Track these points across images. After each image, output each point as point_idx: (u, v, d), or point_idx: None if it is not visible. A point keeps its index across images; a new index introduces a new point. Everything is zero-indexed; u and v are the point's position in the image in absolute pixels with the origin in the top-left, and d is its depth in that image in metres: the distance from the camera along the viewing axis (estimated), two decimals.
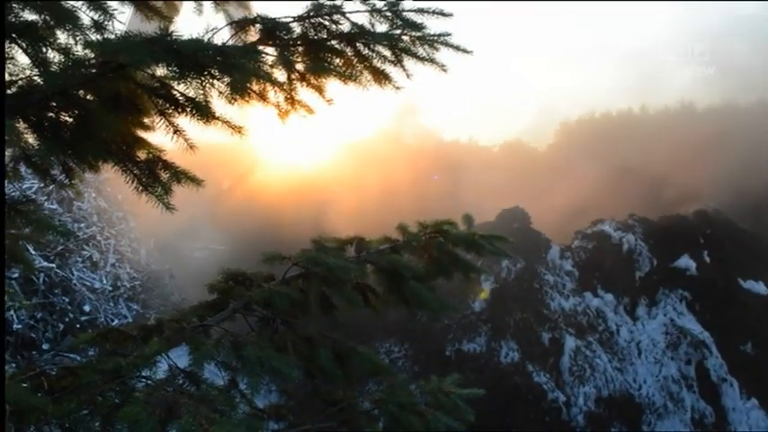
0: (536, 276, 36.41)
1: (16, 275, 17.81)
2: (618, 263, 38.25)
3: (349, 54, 3.48)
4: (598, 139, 70.06)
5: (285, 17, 3.46)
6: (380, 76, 3.52)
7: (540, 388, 30.94)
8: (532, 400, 30.40)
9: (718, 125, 66.51)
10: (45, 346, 21.53)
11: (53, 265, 23.12)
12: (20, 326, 19.88)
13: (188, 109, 3.28)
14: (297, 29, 3.49)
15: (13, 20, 3.35)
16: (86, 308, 24.79)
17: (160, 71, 3.13)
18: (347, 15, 3.44)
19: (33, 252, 18.80)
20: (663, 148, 61.40)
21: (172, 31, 2.89)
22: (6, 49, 3.45)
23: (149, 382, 3.23)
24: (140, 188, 3.61)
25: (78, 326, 23.48)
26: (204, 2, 4.58)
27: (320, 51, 3.43)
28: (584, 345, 33.34)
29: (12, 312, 18.70)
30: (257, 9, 4.04)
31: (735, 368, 32.90)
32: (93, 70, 3.08)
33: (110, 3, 3.57)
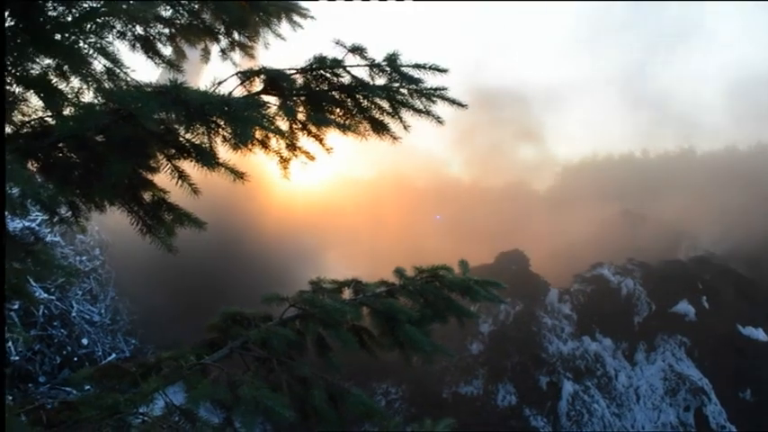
0: (534, 319, 36.27)
1: (16, 307, 17.81)
2: (616, 307, 38.13)
3: (349, 105, 3.63)
4: (599, 182, 70.35)
5: (288, 69, 3.63)
6: (379, 127, 3.67)
7: None
8: None
9: (717, 170, 66.96)
10: (41, 379, 21.38)
11: (53, 298, 23.11)
12: (17, 358, 19.78)
13: (193, 154, 3.42)
14: (299, 80, 3.65)
15: (29, 68, 3.51)
16: (84, 341, 24.67)
17: (168, 118, 3.28)
18: (348, 69, 3.60)
19: (34, 284, 18.83)
20: (662, 193, 61.66)
21: (181, 83, 3.04)
22: (21, 91, 3.61)
23: (146, 418, 3.30)
24: (144, 230, 3.72)
25: (76, 359, 23.34)
26: (213, 50, 4.78)
27: (321, 102, 3.59)
28: (582, 389, 33.05)
29: (10, 344, 18.65)
30: (262, 59, 4.23)
31: (734, 415, 32.55)
32: (106, 117, 3.23)
33: (120, 50, 3.73)
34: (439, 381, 32.22)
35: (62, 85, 3.81)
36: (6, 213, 4.48)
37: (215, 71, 3.68)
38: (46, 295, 22.51)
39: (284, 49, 4.60)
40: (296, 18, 4.56)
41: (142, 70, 3.83)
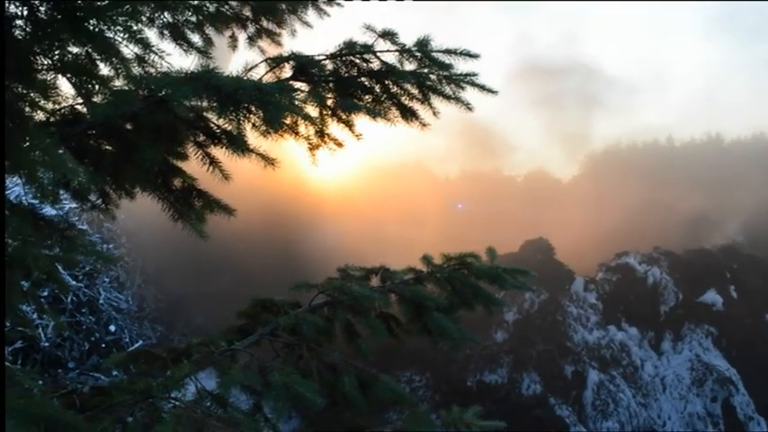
0: (559, 308, 36.09)
1: (46, 294, 18.12)
2: (642, 296, 37.81)
3: (377, 91, 3.61)
4: (623, 170, 69.61)
5: (318, 55, 3.61)
6: (408, 113, 3.65)
7: (563, 421, 30.49)
8: None
9: (745, 157, 65.86)
10: (71, 365, 21.75)
11: (81, 285, 23.46)
12: (47, 344, 20.14)
13: (224, 141, 3.42)
14: (329, 66, 3.64)
15: (60, 54, 3.53)
16: (112, 328, 25.04)
17: (199, 104, 3.28)
18: (378, 54, 3.58)
19: (63, 271, 19.13)
20: (689, 181, 60.89)
21: (213, 68, 3.04)
22: (51, 78, 3.63)
23: (178, 403, 3.32)
24: (176, 215, 3.75)
25: (104, 345, 23.71)
26: (240, 37, 4.78)
27: (350, 88, 3.57)
28: (608, 379, 32.86)
29: (39, 330, 18.98)
30: (289, 46, 4.22)
31: (762, 406, 32.17)
32: (138, 103, 3.24)
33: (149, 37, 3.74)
34: (463, 369, 32.25)
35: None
36: (36, 200, 4.55)
37: (242, 59, 3.68)
38: (74, 282, 22.86)
39: (317, 37, 4.58)
40: (322, 5, 4.54)
41: (171, 58, 3.84)
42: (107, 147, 3.65)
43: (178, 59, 4.31)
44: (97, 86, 3.22)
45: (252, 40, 4.73)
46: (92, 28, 3.41)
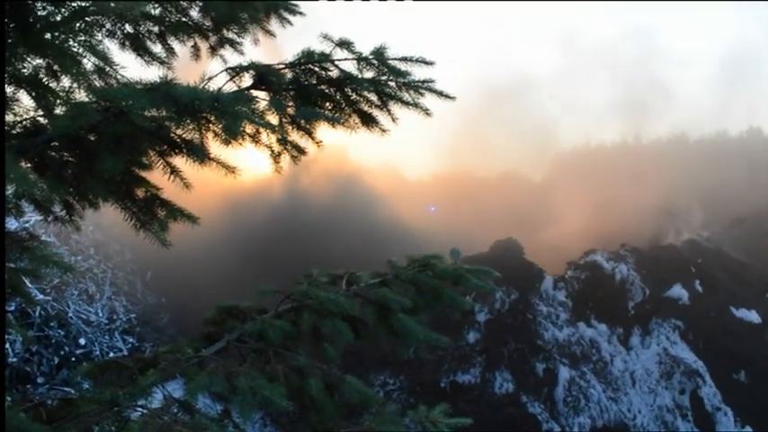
0: (530, 307, 36.46)
1: (12, 308, 17.81)
2: (611, 293, 38.39)
3: (338, 98, 3.68)
4: (592, 169, 70.48)
5: (277, 64, 3.67)
6: (368, 120, 3.72)
7: (535, 419, 30.80)
8: (527, 430, 30.24)
9: (708, 155, 67.25)
10: (40, 380, 21.40)
11: (49, 298, 23.10)
12: (15, 359, 19.79)
13: (184, 150, 3.46)
14: (288, 75, 3.70)
15: (19, 67, 3.54)
16: (82, 341, 24.68)
17: (159, 114, 3.32)
18: (336, 63, 3.65)
19: (30, 285, 18.82)
20: (655, 178, 61.88)
21: (171, 79, 3.08)
22: (12, 92, 3.64)
23: (145, 411, 3.35)
24: (138, 225, 3.77)
25: (73, 359, 23.34)
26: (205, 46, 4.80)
27: (310, 96, 3.63)
28: (579, 375, 33.29)
29: (8, 345, 18.66)
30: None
31: (729, 397, 32.87)
32: (97, 115, 3.27)
33: (110, 48, 3.76)
34: (436, 370, 32.41)
35: (53, 84, 3.84)
36: None
37: (213, 69, 3.73)
38: (42, 296, 22.50)
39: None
40: (285, 14, 4.58)
41: (133, 69, 3.87)
42: (69, 158, 3.66)
43: (141, 70, 4.34)
44: (54, 99, 3.24)
45: (214, 49, 4.76)
46: (52, 40, 3.44)
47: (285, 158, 3.92)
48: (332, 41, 3.60)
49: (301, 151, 3.84)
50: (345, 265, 5.13)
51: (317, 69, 3.68)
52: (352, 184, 56.89)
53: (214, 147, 3.48)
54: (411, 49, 3.56)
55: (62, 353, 23.40)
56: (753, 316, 38.11)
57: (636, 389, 33.39)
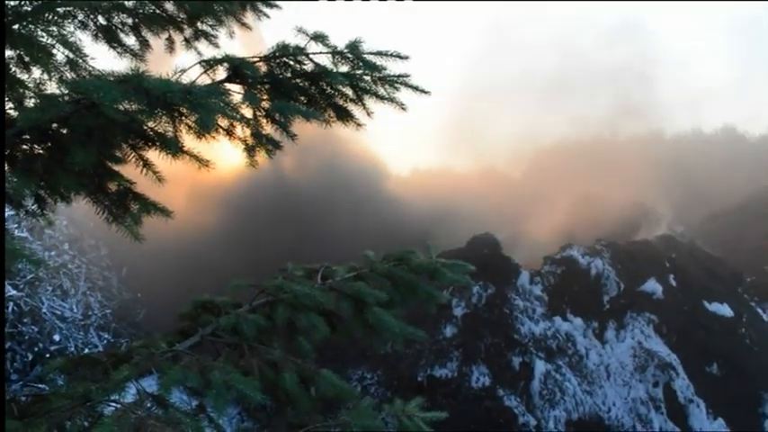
0: (506, 301, 36.71)
1: None
2: (586, 287, 38.78)
3: (313, 92, 3.67)
4: (570, 165, 71.03)
5: (251, 57, 3.65)
6: (343, 114, 3.72)
7: (511, 412, 31.05)
8: (503, 424, 30.47)
9: (683, 150, 68.13)
10: (13, 377, 21.10)
11: (22, 294, 22.77)
12: None
13: (157, 143, 3.43)
14: (263, 68, 3.68)
15: None
16: (56, 337, 24.38)
17: (131, 107, 3.29)
18: (311, 56, 3.64)
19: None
20: (631, 174, 62.53)
21: (143, 71, 3.05)
22: None
23: (118, 406, 3.32)
24: (111, 219, 3.74)
25: (48, 356, 23.04)
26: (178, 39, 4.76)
27: (285, 89, 3.62)
28: (554, 368, 33.61)
29: None
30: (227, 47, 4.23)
31: (701, 389, 33.42)
32: (67, 107, 3.23)
33: (82, 40, 3.71)
34: (414, 364, 32.52)
35: (24, 76, 3.79)
36: None
37: (191, 61, 3.69)
38: (15, 292, 22.18)
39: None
40: (261, 7, 4.55)
41: (105, 60, 3.82)
42: (39, 151, 3.61)
43: (114, 62, 4.29)
44: (25, 91, 3.20)
45: (188, 42, 4.71)
46: (21, 31, 3.39)
47: (261, 153, 3.91)
48: (306, 35, 3.59)
49: (276, 145, 3.82)
50: (324, 258, 5.12)
51: (291, 63, 3.66)
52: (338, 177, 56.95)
53: (188, 140, 3.46)
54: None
55: (36, 349, 23.10)
56: (725, 310, 38.74)
57: (610, 382, 33.80)
